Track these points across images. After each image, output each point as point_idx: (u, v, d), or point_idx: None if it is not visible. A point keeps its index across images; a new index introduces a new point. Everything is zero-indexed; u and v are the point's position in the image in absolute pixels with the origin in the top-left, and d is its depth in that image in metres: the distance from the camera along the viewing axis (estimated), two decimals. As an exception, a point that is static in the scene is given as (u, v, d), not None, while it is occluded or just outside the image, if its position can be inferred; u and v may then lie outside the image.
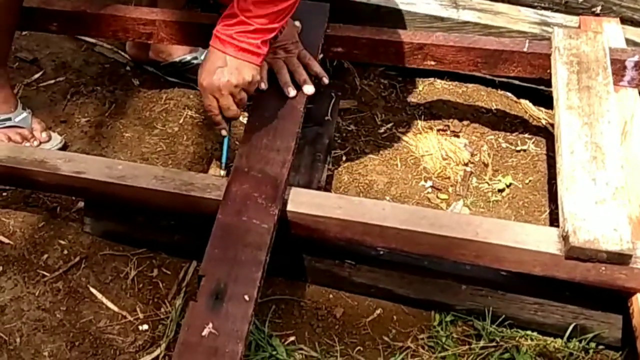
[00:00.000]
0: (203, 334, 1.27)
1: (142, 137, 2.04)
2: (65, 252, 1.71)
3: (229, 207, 1.49)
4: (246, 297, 1.33)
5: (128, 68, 2.27)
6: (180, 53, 2.17)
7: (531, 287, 1.56)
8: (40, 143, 1.93)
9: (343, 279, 1.65)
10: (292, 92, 1.70)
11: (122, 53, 2.29)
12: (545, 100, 2.09)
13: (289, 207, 1.53)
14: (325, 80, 1.75)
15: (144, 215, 1.69)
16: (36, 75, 2.22)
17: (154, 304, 1.62)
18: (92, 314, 1.61)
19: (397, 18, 2.16)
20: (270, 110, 1.69)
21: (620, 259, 1.39)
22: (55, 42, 2.31)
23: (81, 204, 1.79)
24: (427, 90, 2.19)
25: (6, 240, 1.74)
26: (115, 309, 1.62)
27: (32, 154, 1.66)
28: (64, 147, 1.98)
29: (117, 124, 2.07)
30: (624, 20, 2.09)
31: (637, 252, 1.40)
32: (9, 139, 1.89)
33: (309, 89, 1.71)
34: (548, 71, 1.79)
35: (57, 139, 1.97)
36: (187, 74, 2.19)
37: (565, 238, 1.42)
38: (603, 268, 1.41)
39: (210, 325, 1.28)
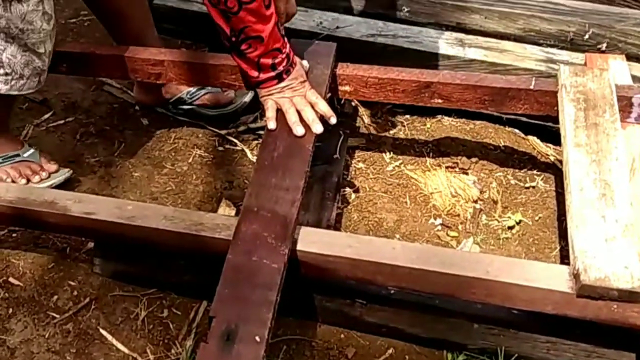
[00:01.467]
0: (214, 376, 1.27)
1: (152, 176, 2.05)
2: (75, 293, 1.72)
3: (239, 247, 1.49)
4: (257, 338, 1.32)
5: (137, 108, 2.29)
6: (184, 88, 2.20)
7: (543, 326, 1.55)
8: (50, 174, 1.95)
9: (354, 319, 1.64)
10: (300, 131, 1.71)
11: (131, 93, 2.31)
12: (552, 136, 2.10)
13: (299, 247, 1.52)
14: (333, 120, 1.77)
15: (154, 256, 1.69)
16: (46, 116, 2.25)
17: (165, 345, 1.62)
18: (102, 355, 1.60)
19: (404, 56, 2.18)
20: (279, 149, 1.70)
21: (632, 296, 1.38)
22: (64, 82, 2.34)
23: (91, 245, 1.80)
24: (434, 127, 2.20)
25: (16, 282, 1.74)
26: (126, 350, 1.61)
27: (42, 195, 1.67)
28: (72, 181, 2.00)
29: (127, 163, 2.09)
30: (630, 57, 2.09)
31: (649, 290, 1.39)
32: (20, 173, 1.92)
33: (318, 128, 1.72)
34: (555, 108, 1.80)
35: (64, 170, 1.99)
36: (195, 107, 2.21)
37: (576, 276, 1.41)
38: (615, 306, 1.40)
39: (221, 367, 1.28)
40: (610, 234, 1.46)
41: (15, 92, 1.77)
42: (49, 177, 1.95)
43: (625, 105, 1.78)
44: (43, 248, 1.83)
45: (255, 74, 1.70)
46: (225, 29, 1.62)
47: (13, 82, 1.74)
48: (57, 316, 1.67)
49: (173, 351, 1.60)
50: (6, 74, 1.72)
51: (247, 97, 2.24)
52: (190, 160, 2.10)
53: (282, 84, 1.72)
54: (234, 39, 1.63)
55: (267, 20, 1.62)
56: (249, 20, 1.59)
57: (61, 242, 1.84)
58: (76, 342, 1.62)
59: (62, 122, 2.23)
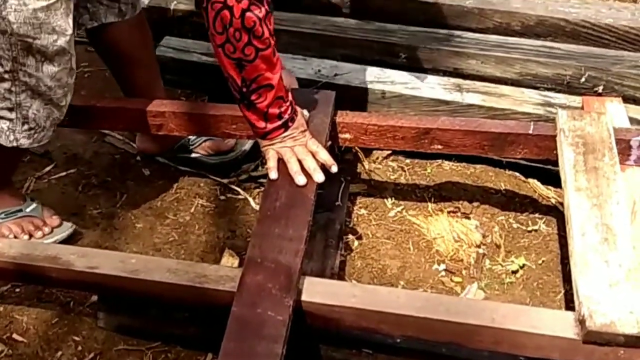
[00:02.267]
0: None
1: (154, 227, 2.05)
2: (80, 348, 1.71)
3: (244, 299, 1.49)
4: (264, 393, 1.31)
5: (138, 158, 2.30)
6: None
7: (550, 373, 1.54)
8: (52, 229, 1.95)
9: (361, 368, 1.64)
10: (302, 180, 1.72)
11: (132, 144, 2.32)
12: (553, 178, 2.10)
13: (304, 297, 1.52)
14: (334, 169, 1.78)
15: (158, 309, 1.69)
16: (48, 168, 2.26)
17: (171, 399, 1.61)
18: (108, 412, 1.59)
19: (402, 103, 2.20)
20: (281, 199, 1.70)
21: (638, 342, 1.37)
22: (65, 134, 2.35)
23: (94, 298, 1.80)
24: (435, 172, 2.21)
25: (20, 338, 1.73)
26: (131, 405, 1.60)
27: (45, 250, 1.67)
28: (75, 235, 2.00)
29: (129, 214, 2.09)
30: (626, 99, 2.12)
31: (655, 335, 1.39)
32: (22, 229, 1.92)
33: (319, 177, 1.73)
34: (554, 152, 1.81)
35: (67, 225, 1.99)
36: (196, 154, 2.22)
37: (581, 322, 1.41)
38: (622, 352, 1.39)
39: (229, 423, 1.27)
40: (614, 279, 1.46)
41: (36, 145, 1.79)
42: (51, 232, 1.95)
43: (623, 148, 1.80)
44: (46, 303, 1.82)
45: (262, 124, 1.71)
46: (237, 79, 1.64)
47: (35, 135, 1.76)
48: (62, 372, 1.66)
49: (179, 406, 1.59)
50: (30, 129, 1.74)
51: (248, 145, 2.26)
52: (192, 210, 2.10)
53: (285, 134, 1.73)
54: (244, 89, 1.65)
55: (276, 68, 1.66)
56: (262, 67, 1.62)
57: (65, 296, 1.83)
58: (81, 399, 1.61)
59: (64, 174, 2.24)
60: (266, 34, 1.58)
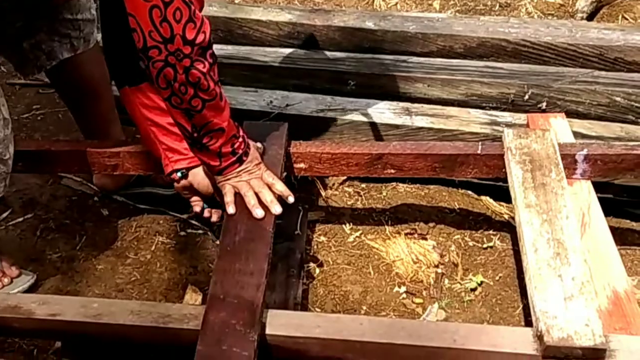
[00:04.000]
0: None
1: (115, 267, 2.05)
2: (46, 397, 1.70)
3: (208, 337, 1.49)
4: None
5: (96, 199, 2.29)
6: None
7: (513, 389, 1.57)
8: (12, 279, 1.94)
9: (328, 397, 1.65)
10: (260, 213, 1.74)
11: (90, 184, 2.32)
12: (505, 194, 2.15)
13: (268, 331, 1.53)
14: (291, 199, 1.80)
15: (124, 352, 1.68)
16: (4, 215, 2.23)
17: None
18: None
19: (354, 128, 2.24)
20: (240, 233, 1.71)
21: (595, 354, 1.41)
22: (21, 178, 2.33)
23: (58, 345, 1.78)
24: (390, 194, 2.25)
25: (-15, 391, 1.72)
26: None
27: (5, 300, 1.65)
28: (36, 284, 1.98)
29: (89, 256, 2.08)
30: (569, 114, 2.18)
31: (611, 345, 1.43)
32: None
33: (277, 209, 1.75)
34: (503, 170, 1.86)
35: (28, 276, 1.98)
36: (155, 185, 2.23)
37: (540, 337, 1.44)
38: (581, 364, 1.44)
39: None
40: (569, 293, 1.51)
41: None
42: (11, 282, 1.94)
43: (569, 162, 1.85)
44: (9, 353, 1.81)
45: (217, 162, 1.73)
46: (187, 126, 1.65)
47: None
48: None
49: None
50: None
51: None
52: (153, 248, 2.11)
53: (240, 168, 1.75)
54: (195, 134, 1.66)
55: (224, 111, 1.67)
56: (211, 115, 1.63)
57: (27, 344, 1.82)
58: None
59: (20, 219, 2.22)
60: (212, 85, 1.60)
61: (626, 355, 1.42)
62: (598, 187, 1.92)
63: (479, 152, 1.89)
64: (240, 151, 1.73)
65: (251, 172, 1.78)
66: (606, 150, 1.87)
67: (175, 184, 1.83)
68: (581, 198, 1.83)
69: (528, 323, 1.77)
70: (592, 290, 1.52)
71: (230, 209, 1.75)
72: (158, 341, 1.58)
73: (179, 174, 1.80)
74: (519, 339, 1.47)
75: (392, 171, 1.95)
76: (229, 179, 1.77)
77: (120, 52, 1.71)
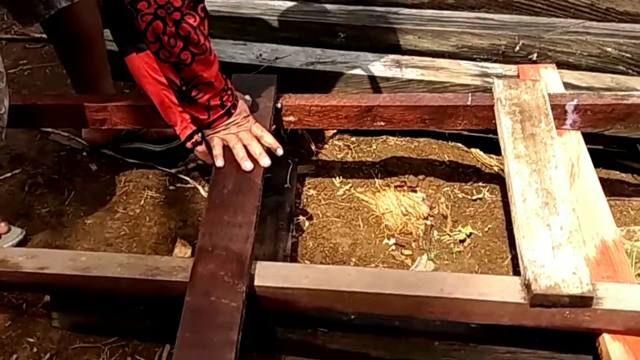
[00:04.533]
0: (182, 422, 1.27)
1: (104, 222, 2.04)
2: (35, 349, 1.70)
3: (197, 289, 1.50)
4: (221, 380, 1.33)
5: (85, 154, 2.28)
6: None
7: (502, 337, 1.58)
8: (1, 235, 1.93)
9: (318, 348, 1.66)
10: (248, 166, 1.73)
11: (78, 139, 2.30)
12: (495, 146, 2.13)
13: (257, 282, 1.53)
14: (280, 152, 1.79)
15: (113, 304, 1.68)
16: (-8, 171, 2.23)
17: (130, 393, 1.62)
18: (67, 410, 1.59)
19: (344, 81, 2.22)
20: (229, 186, 1.71)
21: (583, 301, 1.42)
22: (8, 133, 2.27)
23: (47, 299, 1.78)
24: (380, 148, 2.24)
25: (-27, 345, 1.72)
26: (91, 403, 1.60)
27: (-7, 254, 1.66)
28: (25, 239, 1.97)
29: (78, 211, 2.07)
30: (560, 65, 2.17)
31: (598, 293, 1.43)
32: None
33: (265, 161, 1.75)
34: (493, 121, 1.85)
35: (17, 231, 1.97)
36: (143, 142, 2.21)
37: (527, 286, 1.45)
38: (567, 312, 1.44)
39: (188, 412, 1.28)
40: (557, 242, 1.51)
41: None
42: (0, 238, 1.93)
43: (559, 113, 1.84)
44: (-1, 306, 1.81)
45: (205, 116, 1.72)
46: (176, 80, 1.64)
47: None
48: (19, 375, 1.65)
49: (139, 399, 1.60)
50: None
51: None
52: (142, 203, 2.10)
53: (229, 120, 1.74)
54: (184, 87, 1.65)
55: (213, 65, 1.65)
56: (200, 69, 1.62)
57: (16, 298, 1.81)
58: (39, 399, 1.61)
59: (9, 175, 2.21)
60: (202, 40, 1.58)
61: (613, 303, 1.43)
62: (588, 138, 1.92)
63: (468, 103, 1.88)
64: (229, 104, 1.72)
65: (240, 124, 1.76)
66: (596, 101, 1.85)
67: (197, 149, 1.81)
68: (570, 148, 1.82)
69: (516, 273, 1.76)
70: (580, 239, 1.52)
71: (219, 162, 1.74)
72: (146, 293, 1.59)
73: (199, 134, 1.78)
74: (507, 288, 1.47)
75: (382, 123, 1.94)
76: (217, 132, 1.76)
77: (124, 18, 1.68)
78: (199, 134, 1.78)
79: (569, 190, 1.63)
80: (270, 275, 1.55)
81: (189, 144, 1.81)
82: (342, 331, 1.64)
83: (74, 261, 1.61)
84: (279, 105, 1.93)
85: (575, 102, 1.84)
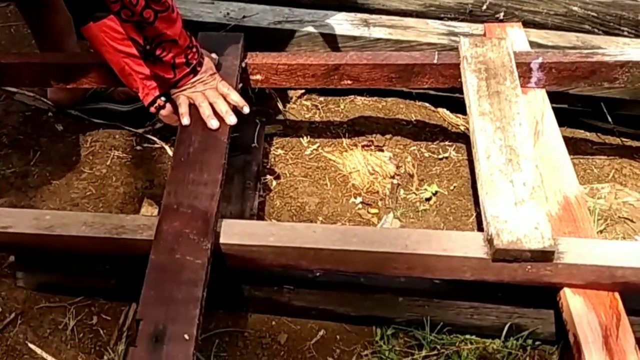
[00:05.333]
0: (146, 378, 1.27)
1: (70, 182, 2.02)
2: (0, 309, 1.69)
3: (161, 246, 1.49)
4: (186, 336, 1.33)
5: (50, 114, 2.24)
6: None
7: (465, 292, 1.61)
8: None
9: (283, 305, 1.67)
10: (214, 124, 1.72)
11: (44, 99, 2.27)
12: (461, 106, 2.13)
13: (222, 240, 1.54)
14: (246, 110, 1.78)
15: (78, 263, 1.68)
16: (-45, 132, 2.19)
17: (97, 352, 1.61)
18: (33, 370, 1.59)
19: (312, 41, 2.20)
20: (194, 144, 1.70)
21: (544, 256, 1.44)
22: (-29, 94, 2.28)
23: (12, 259, 1.77)
24: (348, 107, 2.23)
25: (-63, 306, 1.71)
26: (57, 362, 1.60)
27: (-45, 214, 1.64)
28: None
29: (44, 172, 2.05)
30: (527, 24, 2.17)
31: (560, 248, 1.46)
32: None
33: (232, 120, 1.74)
34: (459, 80, 1.85)
35: None
36: (110, 101, 2.19)
37: (490, 241, 1.47)
38: (529, 267, 1.46)
39: (152, 368, 1.28)
40: (519, 198, 1.52)
41: None
42: None
43: (524, 71, 1.85)
44: (-37, 268, 1.80)
45: (171, 75, 1.70)
46: (139, 39, 1.61)
47: None
48: (-17, 335, 1.65)
49: (105, 357, 1.60)
50: None
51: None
52: (108, 163, 2.08)
53: (194, 79, 1.72)
54: (148, 47, 1.63)
55: (177, 22, 1.63)
56: (163, 27, 1.60)
57: (-17, 259, 1.81)
58: (4, 359, 1.60)
59: (-27, 136, 2.18)
60: None
61: (574, 257, 1.46)
62: (553, 97, 1.93)
63: (435, 61, 1.88)
64: (194, 61, 1.70)
65: (206, 82, 1.75)
66: (561, 58, 1.86)
67: (161, 113, 1.80)
68: (535, 106, 1.83)
69: (481, 231, 1.78)
70: (542, 195, 1.54)
71: (185, 120, 1.73)
72: (112, 252, 1.58)
73: (162, 99, 1.76)
74: (470, 243, 1.49)
75: (349, 82, 1.94)
76: (183, 90, 1.74)
77: None
78: (162, 98, 1.77)
79: (533, 148, 1.65)
80: (235, 232, 1.55)
81: (152, 109, 1.80)
82: (308, 288, 1.65)
83: (38, 220, 1.59)
84: (245, 63, 1.91)
85: (540, 60, 1.84)
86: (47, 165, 2.07)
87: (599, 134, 2.25)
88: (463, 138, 2.13)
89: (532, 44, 2.05)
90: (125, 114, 2.22)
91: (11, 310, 1.69)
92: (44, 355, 1.61)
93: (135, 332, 1.37)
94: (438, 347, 1.61)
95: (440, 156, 2.08)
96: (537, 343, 1.62)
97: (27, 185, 2.02)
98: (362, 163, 2.04)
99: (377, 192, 1.98)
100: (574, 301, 1.48)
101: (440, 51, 1.95)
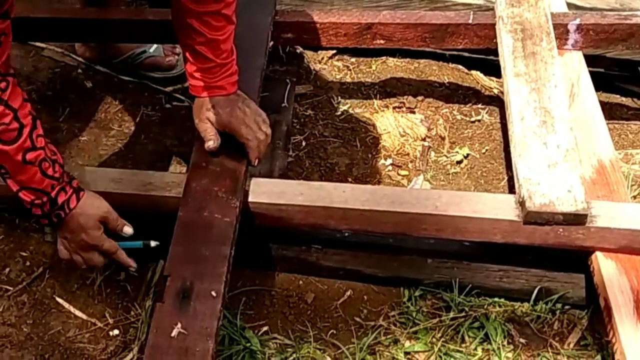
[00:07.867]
0: (172, 334, 1.27)
1: (99, 139, 2.02)
2: (28, 263, 1.70)
3: (190, 204, 1.49)
4: (213, 293, 1.33)
5: (80, 71, 2.24)
6: (128, 49, 2.17)
7: (494, 255, 1.59)
8: None
9: (311, 264, 1.66)
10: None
11: (73, 55, 2.26)
12: (495, 69, 2.10)
13: (251, 198, 1.53)
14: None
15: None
16: (-15, 86, 2.19)
17: (123, 307, 1.62)
18: (60, 324, 1.59)
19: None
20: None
21: (576, 219, 1.42)
22: (1, 51, 2.28)
23: (42, 212, 1.78)
24: (380, 69, 2.20)
25: (-33, 258, 1.72)
26: (84, 316, 1.61)
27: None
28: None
29: (73, 128, 2.05)
30: (565, -16, 2.11)
31: (592, 212, 1.43)
32: None
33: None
34: (494, 41, 1.82)
35: None
36: (139, 70, 2.18)
37: (521, 204, 1.44)
38: (561, 230, 1.44)
39: (179, 325, 1.28)
40: (553, 160, 1.50)
41: None
42: None
43: (561, 32, 1.81)
44: (-3, 225, 1.81)
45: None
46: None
47: None
48: (11, 288, 1.65)
49: (132, 313, 1.61)
50: None
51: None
52: (137, 120, 2.08)
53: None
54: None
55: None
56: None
57: (9, 214, 1.81)
58: (32, 313, 1.61)
59: (2, 91, 2.18)
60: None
61: (607, 221, 1.43)
62: (589, 60, 1.88)
63: (470, 21, 1.84)
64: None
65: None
66: (599, 20, 1.82)
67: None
68: (571, 69, 1.79)
69: (512, 194, 1.76)
70: (576, 158, 1.50)
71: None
72: (139, 209, 1.57)
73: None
74: (501, 205, 1.47)
75: (382, 41, 1.91)
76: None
77: None
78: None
79: (568, 110, 1.61)
80: (264, 191, 1.54)
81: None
82: (336, 248, 1.64)
83: (67, 175, 1.59)
84: (276, 20, 1.89)
85: (577, 21, 1.80)
86: (75, 122, 2.07)
87: (635, 99, 2.19)
88: (496, 101, 2.09)
89: (570, 5, 1.99)
90: (155, 80, 2.20)
91: (39, 265, 1.70)
92: (71, 309, 1.62)
93: (162, 288, 1.37)
94: (466, 309, 1.59)
95: (473, 119, 2.05)
96: (566, 307, 1.60)
97: (56, 141, 2.01)
98: (393, 125, 2.01)
99: (408, 154, 1.96)
100: (605, 265, 1.45)
101: (475, 11, 1.91)
